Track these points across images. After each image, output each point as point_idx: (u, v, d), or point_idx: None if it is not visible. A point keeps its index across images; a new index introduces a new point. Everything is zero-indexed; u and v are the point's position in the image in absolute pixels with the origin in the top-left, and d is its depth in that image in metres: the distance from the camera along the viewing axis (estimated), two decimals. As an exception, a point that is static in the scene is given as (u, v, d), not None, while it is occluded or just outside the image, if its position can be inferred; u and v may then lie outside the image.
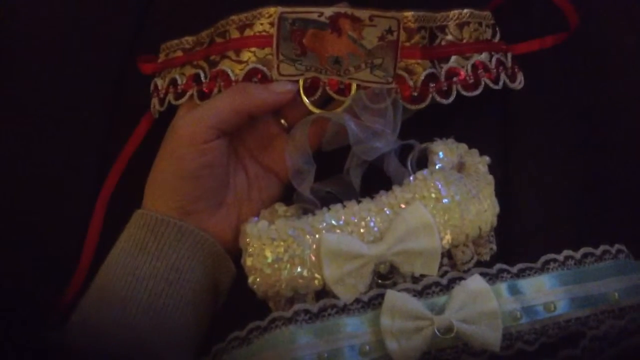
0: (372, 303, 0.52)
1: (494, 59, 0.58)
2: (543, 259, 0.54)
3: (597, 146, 0.61)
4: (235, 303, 0.57)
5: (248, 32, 0.56)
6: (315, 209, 0.55)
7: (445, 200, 0.53)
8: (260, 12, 0.56)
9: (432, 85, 0.56)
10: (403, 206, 0.54)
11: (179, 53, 0.59)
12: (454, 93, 0.56)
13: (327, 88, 0.56)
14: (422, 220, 0.53)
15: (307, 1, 0.55)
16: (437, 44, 0.57)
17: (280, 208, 0.57)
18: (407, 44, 0.56)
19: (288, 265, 0.52)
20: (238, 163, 0.59)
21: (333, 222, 0.53)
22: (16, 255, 0.59)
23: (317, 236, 0.53)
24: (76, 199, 0.61)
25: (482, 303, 0.51)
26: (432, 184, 0.54)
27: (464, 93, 0.57)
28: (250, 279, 0.53)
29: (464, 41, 0.58)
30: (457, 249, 0.54)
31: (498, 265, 0.54)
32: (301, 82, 0.56)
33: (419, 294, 0.52)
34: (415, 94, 0.56)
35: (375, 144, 0.56)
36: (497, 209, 0.55)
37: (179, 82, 0.58)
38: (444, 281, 0.53)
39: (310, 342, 0.51)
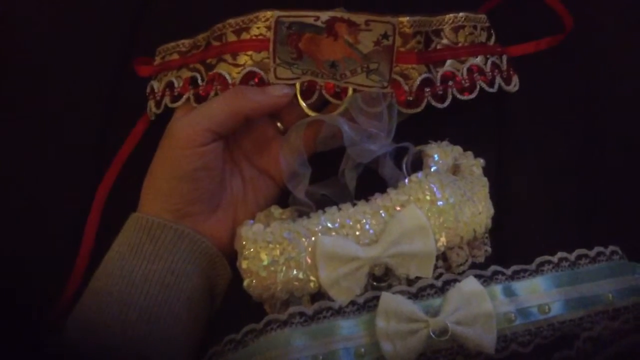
0: (367, 305, 0.52)
1: (489, 62, 0.58)
2: (537, 260, 0.54)
3: (592, 148, 0.61)
4: (231, 306, 0.57)
5: (245, 36, 0.56)
6: (310, 212, 0.55)
7: (440, 203, 0.53)
8: (257, 15, 0.56)
9: (427, 90, 0.56)
10: (398, 209, 0.54)
11: (175, 56, 0.59)
12: (450, 97, 0.57)
13: (324, 91, 0.56)
14: (417, 222, 0.53)
15: (305, 5, 0.55)
16: (433, 48, 0.57)
17: (276, 211, 0.57)
18: (403, 49, 0.56)
19: (283, 268, 0.52)
20: (234, 166, 0.59)
21: (328, 224, 0.53)
22: (12, 258, 0.59)
23: (312, 239, 0.53)
24: (72, 201, 0.61)
25: (476, 305, 0.51)
26: (427, 187, 0.54)
27: (460, 97, 0.57)
28: (245, 282, 0.53)
29: (459, 44, 0.58)
30: (451, 251, 0.55)
31: (493, 267, 0.54)
32: (298, 86, 0.56)
33: (414, 296, 0.52)
34: (411, 98, 0.56)
35: (370, 146, 0.56)
36: (491, 211, 0.55)
37: (176, 85, 0.58)
38: (439, 283, 0.53)
39: (306, 344, 0.51)
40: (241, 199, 0.59)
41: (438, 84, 0.56)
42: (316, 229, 0.53)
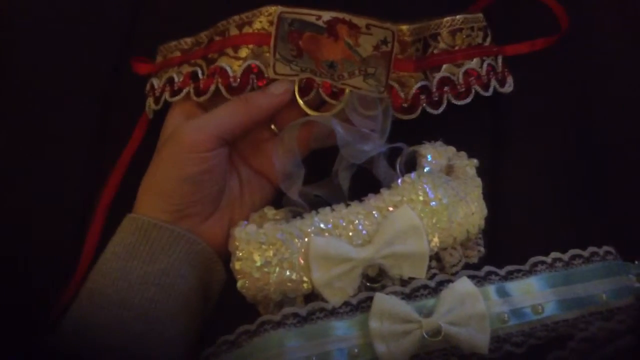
0: (360, 306, 0.52)
1: (485, 65, 0.58)
2: (531, 261, 0.54)
3: (586, 149, 0.61)
4: (225, 307, 0.57)
5: (247, 30, 0.56)
6: (304, 213, 0.55)
7: (433, 203, 0.53)
8: (260, 10, 0.56)
9: (423, 97, 0.56)
10: (391, 209, 0.54)
11: (177, 54, 0.59)
12: (445, 103, 0.57)
13: (321, 90, 0.57)
14: (410, 223, 0.53)
15: (307, 2, 0.55)
16: (430, 53, 0.57)
17: (270, 212, 0.57)
18: (401, 56, 0.56)
19: (277, 269, 0.52)
20: (231, 167, 0.59)
21: (322, 225, 0.53)
22: (12, 259, 0.59)
23: (305, 240, 0.53)
24: (72, 200, 0.61)
25: (470, 305, 0.51)
26: (420, 187, 0.54)
27: (455, 102, 0.57)
28: (239, 283, 0.53)
29: (456, 47, 0.58)
30: (445, 252, 0.54)
31: (486, 268, 0.54)
32: (296, 83, 0.56)
33: (408, 296, 0.52)
34: (406, 105, 0.56)
35: (363, 147, 0.56)
36: (485, 212, 0.55)
37: (176, 80, 0.58)
38: (432, 284, 0.53)
39: (300, 345, 0.51)
40: (237, 200, 0.59)
41: (434, 90, 0.56)
42: (309, 229, 0.53)
